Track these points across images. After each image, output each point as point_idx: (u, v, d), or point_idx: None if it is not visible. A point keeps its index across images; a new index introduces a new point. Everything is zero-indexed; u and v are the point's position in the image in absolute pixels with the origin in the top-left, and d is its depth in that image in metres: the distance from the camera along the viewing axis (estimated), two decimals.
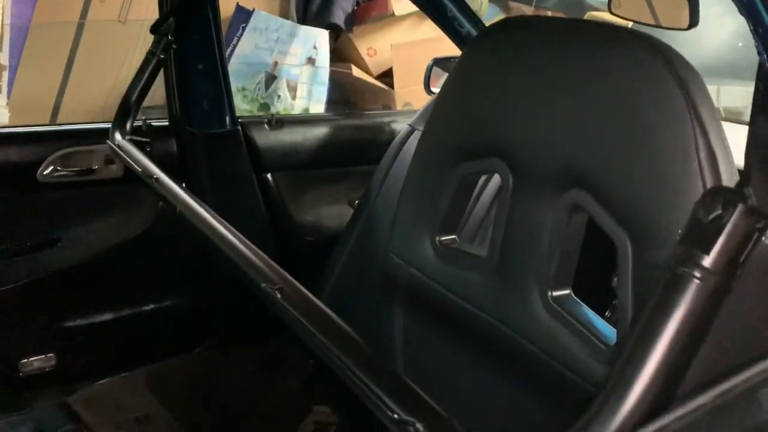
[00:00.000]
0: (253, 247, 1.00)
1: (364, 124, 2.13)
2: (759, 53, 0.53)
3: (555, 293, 0.81)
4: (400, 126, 2.09)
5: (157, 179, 1.30)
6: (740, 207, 0.54)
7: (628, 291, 0.72)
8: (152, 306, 1.83)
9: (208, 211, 1.14)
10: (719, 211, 0.54)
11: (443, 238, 0.96)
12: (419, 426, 0.63)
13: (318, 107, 2.63)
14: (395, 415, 0.63)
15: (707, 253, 0.54)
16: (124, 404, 1.66)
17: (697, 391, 0.58)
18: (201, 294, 1.89)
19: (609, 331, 0.77)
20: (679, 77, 0.68)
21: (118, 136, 1.52)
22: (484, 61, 0.91)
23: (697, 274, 0.54)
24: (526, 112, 0.84)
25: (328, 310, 0.82)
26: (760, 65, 0.53)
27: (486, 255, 0.89)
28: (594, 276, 0.92)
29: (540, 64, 0.81)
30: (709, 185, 0.65)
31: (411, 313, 1.01)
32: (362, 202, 1.65)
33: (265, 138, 1.91)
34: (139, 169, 1.31)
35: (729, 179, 0.65)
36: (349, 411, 1.52)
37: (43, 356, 1.69)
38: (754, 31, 0.53)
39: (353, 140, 2.06)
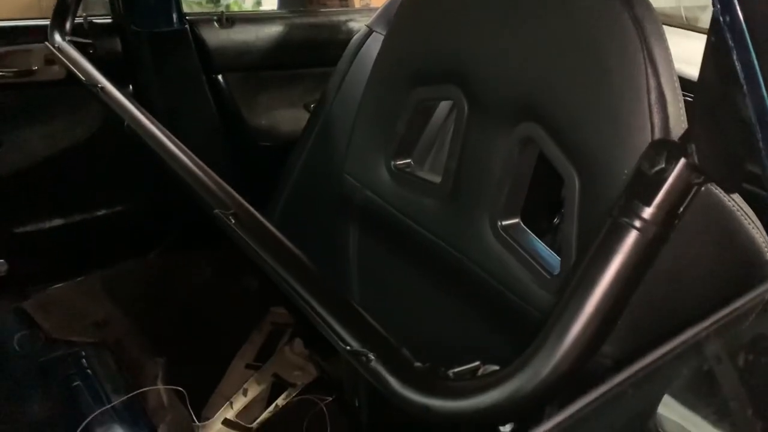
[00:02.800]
0: (206, 169, 0.99)
1: (320, 22, 2.06)
2: (713, 4, 0.53)
3: (504, 222, 0.84)
4: (358, 25, 2.02)
5: (102, 88, 1.25)
6: (682, 162, 0.55)
7: (573, 224, 0.75)
8: (104, 211, 1.81)
9: (157, 127, 1.11)
10: (662, 165, 0.56)
11: (398, 162, 0.97)
12: (371, 356, 0.66)
13: (271, 4, 2.52)
14: (348, 347, 0.66)
15: (648, 205, 0.56)
16: (80, 309, 1.67)
17: (629, 333, 0.62)
18: (154, 198, 1.87)
19: (554, 261, 0.80)
20: (635, 16, 0.68)
21: (57, 36, 1.44)
22: None
23: (637, 225, 0.57)
24: (484, 39, 0.82)
25: (284, 238, 0.83)
26: (713, 18, 0.53)
27: (440, 182, 0.91)
28: (543, 206, 0.94)
29: None
30: (657, 127, 0.67)
31: (366, 234, 1.03)
32: (318, 106, 1.62)
33: (215, 37, 1.83)
34: (82, 78, 1.25)
35: (676, 122, 0.67)
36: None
37: None
38: None
39: (308, 40, 1.99)
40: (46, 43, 1.40)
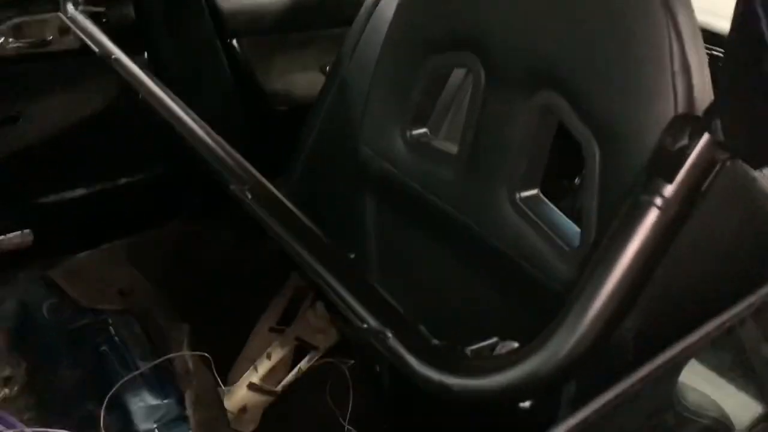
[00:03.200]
0: (222, 142, 0.98)
1: None
2: None
3: (522, 194, 0.82)
4: None
5: (116, 59, 1.24)
6: (705, 138, 0.53)
7: (594, 195, 0.73)
8: (125, 180, 1.81)
9: (173, 99, 1.10)
10: (685, 141, 0.54)
11: (414, 132, 0.95)
12: (388, 333, 0.66)
13: None
14: (365, 324, 0.66)
15: (670, 182, 0.55)
16: (105, 276, 1.70)
17: (651, 305, 0.61)
18: (174, 166, 1.87)
19: (574, 233, 0.79)
20: None
21: (69, 6, 1.43)
22: None
23: (659, 203, 0.55)
24: (502, 3, 0.80)
25: (300, 214, 0.82)
26: None
27: (457, 152, 0.89)
28: (564, 175, 0.93)
29: None
30: (680, 96, 0.65)
31: (382, 205, 1.02)
32: (334, 69, 1.59)
33: (229, 1, 1.80)
34: (96, 49, 1.24)
35: (701, 90, 0.64)
36: None
37: (19, 233, 1.69)
38: None
39: (323, 0, 1.95)
40: (59, 13, 1.39)
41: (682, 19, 0.65)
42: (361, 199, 1.03)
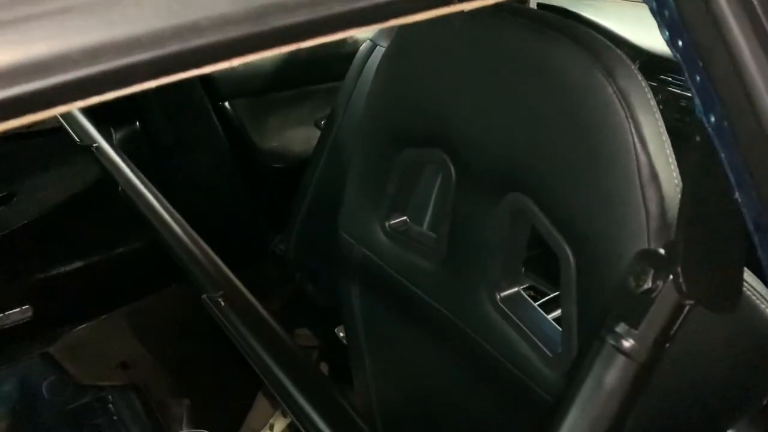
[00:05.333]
0: (201, 243, 0.96)
1: None
2: (695, 103, 0.47)
3: (503, 293, 0.79)
4: (362, 37, 1.96)
5: (97, 147, 1.24)
6: (670, 282, 0.50)
7: (572, 303, 0.70)
8: (122, 249, 1.81)
9: (153, 194, 1.08)
10: (648, 285, 0.51)
11: (392, 222, 0.93)
12: None
13: None
14: None
15: (635, 327, 0.51)
16: (106, 349, 1.69)
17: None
18: None
19: (556, 336, 0.75)
20: (619, 89, 0.62)
21: None
22: (422, 43, 0.82)
23: (626, 349, 0.52)
24: (466, 105, 0.77)
25: (278, 327, 0.80)
26: (696, 117, 0.47)
27: (434, 245, 0.86)
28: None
29: (479, 54, 0.74)
30: (652, 210, 0.61)
31: (367, 293, 0.99)
32: (328, 124, 1.58)
33: None
34: (77, 139, 1.23)
35: (673, 201, 0.61)
36: (329, 334, 1.55)
37: (18, 309, 1.69)
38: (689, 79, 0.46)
39: (313, 56, 1.94)
40: None
41: (646, 128, 0.61)
42: (346, 282, 1.00)
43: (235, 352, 1.79)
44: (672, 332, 0.51)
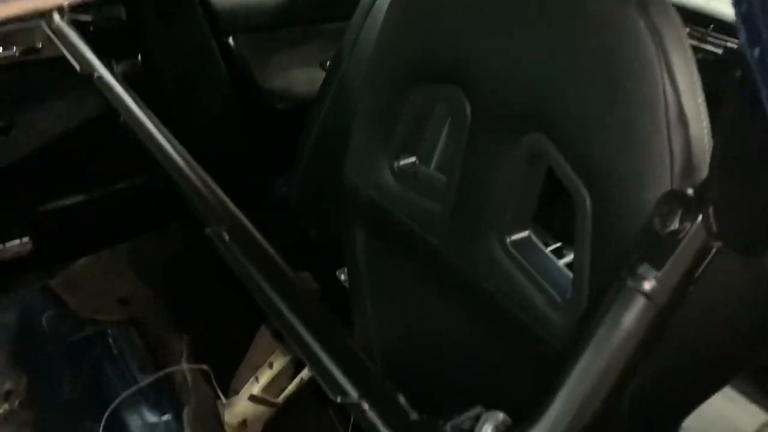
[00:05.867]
0: (204, 176, 0.94)
1: None
2: (738, 33, 0.45)
3: (513, 237, 0.78)
4: None
5: (99, 77, 1.20)
6: (698, 223, 0.48)
7: (586, 248, 0.68)
8: (123, 185, 1.79)
9: (156, 125, 1.05)
10: (675, 226, 0.49)
11: (401, 163, 0.90)
12: (365, 405, 0.62)
13: None
14: (339, 396, 0.63)
15: (659, 269, 0.50)
16: (105, 285, 1.69)
17: (646, 377, 0.57)
18: None
19: (566, 282, 0.74)
20: (652, 24, 0.59)
21: (55, 16, 1.38)
22: None
23: (647, 290, 0.50)
24: (489, 38, 0.74)
25: (282, 263, 0.78)
26: (739, 49, 0.45)
27: (444, 187, 0.84)
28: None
29: None
30: (677, 152, 0.59)
31: (372, 236, 0.97)
32: (333, 65, 1.54)
33: None
34: (77, 66, 1.19)
35: (699, 145, 0.59)
36: (330, 277, 1.55)
37: (18, 241, 1.68)
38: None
39: None
40: (42, 25, 1.34)
41: (677, 66, 0.59)
42: (351, 225, 0.98)
43: (236, 289, 1.79)
44: (696, 275, 0.50)
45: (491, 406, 0.67)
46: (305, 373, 1.59)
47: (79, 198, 1.74)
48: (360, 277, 1.03)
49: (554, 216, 0.90)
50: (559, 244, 1.05)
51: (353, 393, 0.63)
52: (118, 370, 1.50)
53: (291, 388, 1.57)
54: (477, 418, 0.63)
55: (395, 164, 0.90)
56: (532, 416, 0.55)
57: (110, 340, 1.56)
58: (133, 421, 1.39)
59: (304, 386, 1.58)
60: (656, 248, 0.51)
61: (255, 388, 1.56)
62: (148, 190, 1.81)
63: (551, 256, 0.77)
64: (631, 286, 0.52)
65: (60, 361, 1.52)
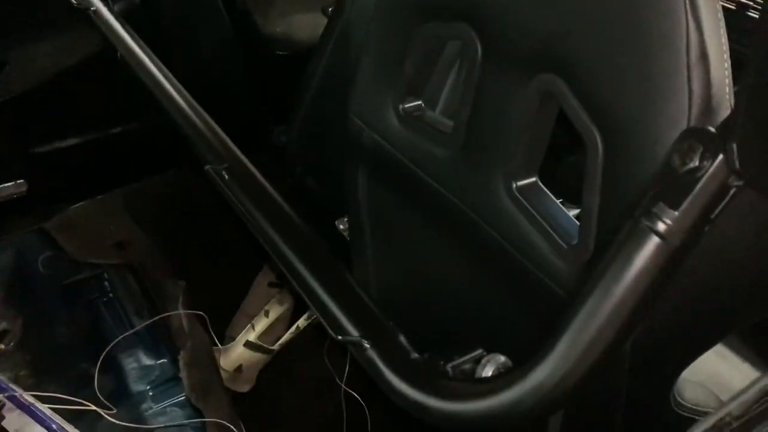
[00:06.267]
0: (202, 113, 0.91)
1: None
2: None
3: (520, 183, 0.76)
4: None
5: (95, 11, 1.16)
6: (719, 160, 0.46)
7: (595, 193, 0.67)
8: (119, 128, 1.75)
9: (153, 61, 1.02)
10: (695, 163, 0.47)
11: (407, 105, 0.88)
12: (366, 344, 0.61)
13: None
14: (340, 336, 0.62)
15: (675, 208, 0.48)
16: (101, 228, 1.67)
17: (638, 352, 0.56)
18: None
19: (573, 228, 0.73)
20: None
21: None
22: None
23: (662, 231, 0.49)
24: None
25: (281, 201, 0.76)
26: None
27: (451, 131, 0.82)
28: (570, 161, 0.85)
29: None
30: (696, 93, 0.57)
31: (375, 181, 0.96)
32: (336, 11, 1.50)
33: None
34: (75, 2, 1.15)
35: (720, 89, 0.56)
36: (329, 227, 1.53)
37: (13, 183, 1.65)
38: None
39: None
40: None
41: (703, 4, 0.56)
42: (354, 169, 0.96)
43: (233, 237, 1.77)
44: (713, 215, 0.48)
45: (492, 351, 0.67)
46: (301, 322, 1.59)
47: (75, 140, 1.71)
48: (361, 223, 1.02)
49: (557, 176, 0.88)
50: (560, 201, 1.04)
51: (354, 332, 0.62)
52: (114, 313, 1.49)
53: (287, 336, 1.58)
54: (478, 361, 0.62)
55: (400, 107, 0.88)
56: (535, 358, 0.54)
57: (106, 284, 1.55)
58: (129, 364, 1.39)
59: (300, 334, 1.58)
60: (673, 187, 0.49)
61: (251, 335, 1.56)
62: (147, 134, 1.78)
63: (557, 203, 0.76)
64: (644, 226, 0.50)
65: (56, 303, 1.51)
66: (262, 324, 1.58)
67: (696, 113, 0.56)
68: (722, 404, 0.68)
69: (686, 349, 0.70)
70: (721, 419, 0.57)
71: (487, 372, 0.59)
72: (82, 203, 1.71)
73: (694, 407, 0.80)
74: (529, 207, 0.75)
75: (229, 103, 1.79)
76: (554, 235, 0.73)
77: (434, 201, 0.86)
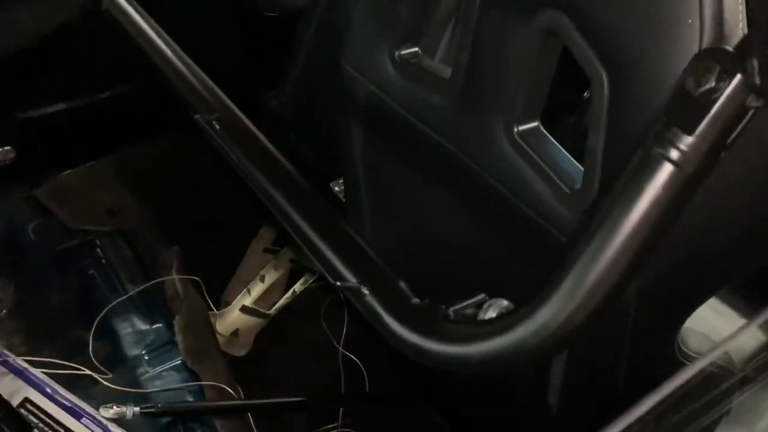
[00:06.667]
0: (190, 63, 0.88)
1: None
2: None
3: (521, 127, 0.73)
4: None
5: None
6: (737, 80, 0.44)
7: (600, 133, 0.65)
8: (108, 93, 1.71)
9: (138, 12, 0.98)
10: (711, 84, 0.45)
11: (403, 52, 0.85)
12: (365, 290, 0.60)
13: None
14: (338, 281, 0.60)
15: (690, 133, 0.46)
16: (92, 195, 1.64)
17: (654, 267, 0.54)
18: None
19: (576, 172, 0.71)
20: None
21: None
22: None
23: (675, 158, 0.47)
24: None
25: (275, 150, 0.74)
26: None
27: (450, 76, 0.79)
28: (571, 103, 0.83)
29: None
30: (707, 18, 0.54)
31: (370, 132, 0.93)
32: None
33: None
34: None
35: (733, 14, 0.54)
36: (323, 190, 1.51)
37: (0, 149, 1.62)
38: None
39: None
40: None
41: None
42: (348, 125, 0.94)
43: (227, 203, 1.74)
44: (730, 140, 0.46)
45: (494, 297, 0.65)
46: (298, 287, 1.58)
47: (61, 106, 1.67)
48: (356, 180, 0.99)
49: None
50: None
51: (352, 278, 0.60)
52: (108, 279, 1.47)
53: (283, 301, 1.56)
54: (480, 306, 0.60)
55: (396, 54, 0.85)
56: (540, 297, 0.52)
57: (98, 250, 1.53)
58: (124, 329, 1.37)
59: (296, 299, 1.57)
60: (688, 110, 0.46)
61: (247, 299, 1.55)
62: (136, 99, 1.74)
63: (561, 148, 0.73)
64: (657, 153, 0.48)
65: (48, 270, 1.49)
66: (257, 289, 1.56)
67: (708, 40, 0.54)
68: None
69: (692, 296, 0.68)
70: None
71: (490, 315, 0.57)
72: (71, 170, 1.68)
73: (697, 356, 0.78)
74: (530, 152, 0.73)
75: (216, 65, 1.75)
76: (557, 179, 0.71)
77: (433, 152, 0.83)
